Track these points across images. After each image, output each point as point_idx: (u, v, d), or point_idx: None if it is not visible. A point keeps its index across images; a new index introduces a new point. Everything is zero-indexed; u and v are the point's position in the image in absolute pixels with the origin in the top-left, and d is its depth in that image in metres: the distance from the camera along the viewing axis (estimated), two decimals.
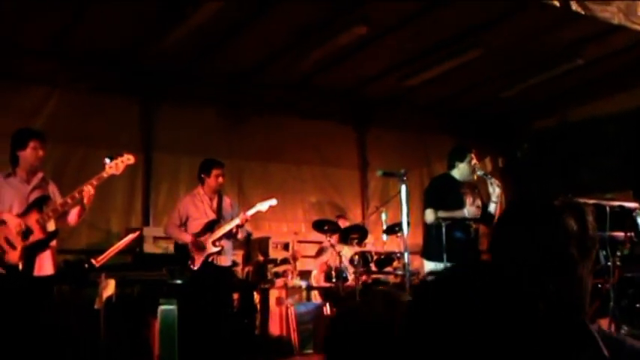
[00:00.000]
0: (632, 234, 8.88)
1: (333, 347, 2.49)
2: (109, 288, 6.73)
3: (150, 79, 10.24)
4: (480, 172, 7.28)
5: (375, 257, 9.66)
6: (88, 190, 6.12)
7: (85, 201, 6.17)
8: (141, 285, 7.39)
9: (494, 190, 7.22)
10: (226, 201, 8.21)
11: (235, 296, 8.94)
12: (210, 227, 7.87)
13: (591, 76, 11.37)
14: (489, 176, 7.34)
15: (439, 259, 6.84)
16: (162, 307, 7.40)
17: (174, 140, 10.31)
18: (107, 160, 6.23)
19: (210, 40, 9.28)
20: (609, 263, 8.15)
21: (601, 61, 10.69)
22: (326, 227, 9.65)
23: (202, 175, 8.02)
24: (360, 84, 11.40)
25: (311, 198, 11.71)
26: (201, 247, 7.73)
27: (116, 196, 9.70)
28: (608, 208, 8.21)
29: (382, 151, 12.38)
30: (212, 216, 7.95)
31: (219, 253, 7.83)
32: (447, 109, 12.96)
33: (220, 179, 7.98)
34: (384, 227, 10.10)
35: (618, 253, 8.52)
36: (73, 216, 6.37)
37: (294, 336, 8.82)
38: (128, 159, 6.30)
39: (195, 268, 7.73)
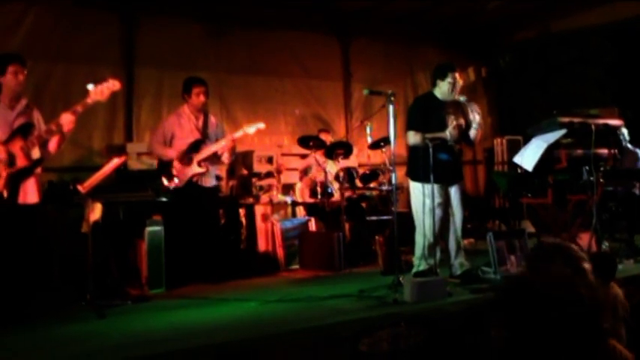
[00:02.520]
0: (616, 151, 8.96)
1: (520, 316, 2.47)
2: (96, 211, 6.68)
3: None
4: (461, 99, 7.22)
5: (360, 173, 9.65)
6: (67, 117, 5.98)
7: (65, 129, 6.05)
8: (127, 206, 7.34)
9: (475, 118, 7.19)
10: (212, 120, 8.14)
11: (220, 212, 8.97)
12: (196, 147, 7.85)
13: None
14: (471, 103, 7.29)
15: (426, 180, 6.84)
16: (148, 229, 7.42)
17: (156, 55, 10.11)
18: (90, 87, 6.05)
19: None
20: (592, 179, 8.24)
21: None
22: (311, 143, 9.59)
23: (184, 95, 7.98)
24: None
25: (294, 110, 11.60)
26: (188, 162, 7.72)
27: (97, 113, 9.52)
28: (593, 127, 8.26)
29: (366, 62, 12.29)
30: (197, 135, 7.91)
31: (203, 174, 7.83)
32: (430, 20, 12.75)
33: (202, 97, 7.92)
34: (369, 141, 10.07)
35: (601, 169, 8.62)
36: (52, 144, 6.26)
37: (280, 252, 8.92)
38: (114, 84, 6.11)
39: (179, 185, 7.74)
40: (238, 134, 7.91)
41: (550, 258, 2.46)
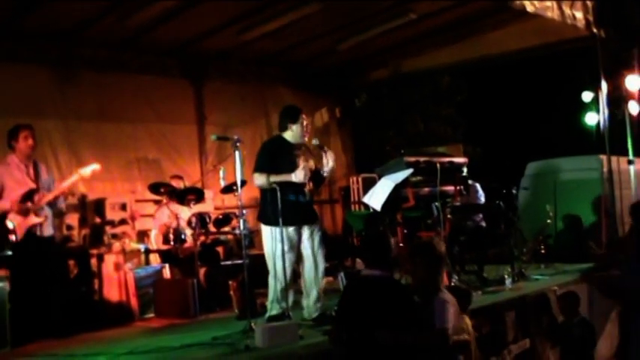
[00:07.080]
0: (461, 187, 9.29)
1: None
2: None
3: None
4: (315, 142, 7.29)
5: (212, 218, 9.57)
6: None
7: None
8: None
9: (328, 163, 7.26)
10: (43, 168, 7.91)
11: (72, 263, 8.72)
12: (30, 196, 7.58)
13: (423, 29, 11.63)
14: (325, 148, 7.35)
15: (276, 224, 6.83)
16: None
17: None
18: None
19: None
20: (440, 215, 8.52)
21: (432, 15, 10.95)
22: (162, 190, 9.50)
23: (12, 142, 7.70)
24: (195, 38, 11.11)
25: (148, 156, 11.39)
26: (26, 212, 7.47)
27: None
28: (438, 165, 8.55)
29: (220, 104, 12.22)
30: (31, 185, 7.66)
31: (41, 224, 7.61)
32: (284, 62, 12.91)
33: (30, 141, 7.67)
34: (222, 185, 10.01)
35: (449, 205, 8.93)
36: None
37: (133, 301, 8.72)
38: None
39: (18, 239, 7.44)
40: (74, 178, 7.78)
41: None
